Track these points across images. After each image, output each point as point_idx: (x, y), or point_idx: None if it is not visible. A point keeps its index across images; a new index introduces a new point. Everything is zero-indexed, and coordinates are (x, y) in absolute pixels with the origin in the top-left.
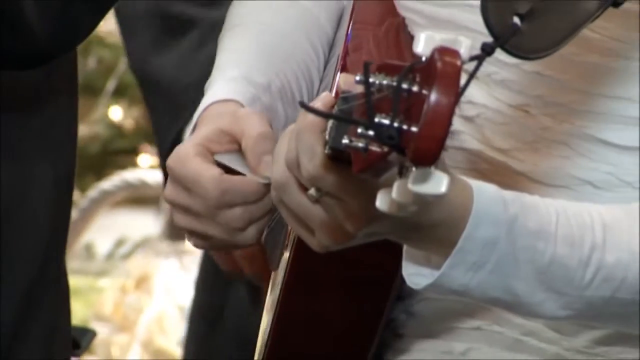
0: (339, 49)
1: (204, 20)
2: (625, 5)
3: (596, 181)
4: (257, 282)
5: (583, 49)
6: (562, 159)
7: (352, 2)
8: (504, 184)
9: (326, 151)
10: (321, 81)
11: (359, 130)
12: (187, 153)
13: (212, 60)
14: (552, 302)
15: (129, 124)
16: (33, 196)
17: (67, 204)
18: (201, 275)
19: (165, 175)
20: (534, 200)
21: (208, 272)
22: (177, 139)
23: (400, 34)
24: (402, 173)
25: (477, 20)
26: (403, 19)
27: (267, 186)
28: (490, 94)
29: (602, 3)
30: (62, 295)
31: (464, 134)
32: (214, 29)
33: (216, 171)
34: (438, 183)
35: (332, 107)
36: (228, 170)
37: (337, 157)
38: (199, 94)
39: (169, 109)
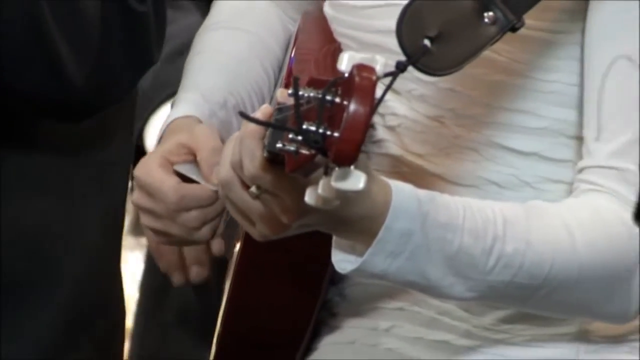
0: (283, 71)
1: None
2: (524, 31)
3: (500, 182)
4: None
5: (490, 69)
6: (471, 163)
7: (297, 27)
8: (421, 184)
9: (264, 155)
10: (272, 98)
11: (290, 135)
12: (151, 164)
13: (164, 70)
14: (459, 286)
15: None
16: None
17: (118, 236)
18: (148, 260)
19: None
20: (444, 198)
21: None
22: (139, 142)
23: (336, 57)
24: (327, 172)
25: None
26: (339, 44)
27: (218, 192)
28: (410, 107)
29: (501, 29)
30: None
31: (387, 141)
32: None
33: (175, 180)
34: (357, 180)
35: (271, 117)
36: (185, 178)
37: (274, 160)
38: (150, 99)
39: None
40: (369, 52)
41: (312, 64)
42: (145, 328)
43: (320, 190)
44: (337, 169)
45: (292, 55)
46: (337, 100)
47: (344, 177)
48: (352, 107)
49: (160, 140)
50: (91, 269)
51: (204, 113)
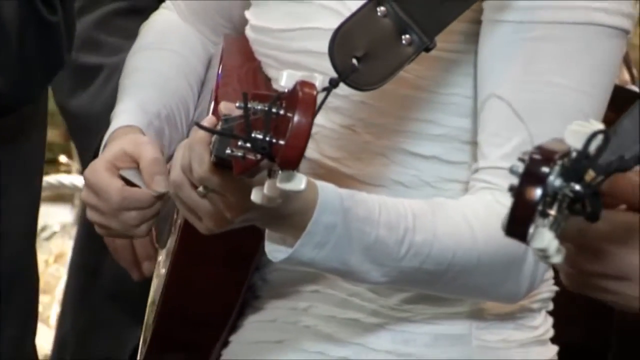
0: (209, 85)
1: (106, 66)
2: (431, 52)
3: (405, 182)
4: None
5: (398, 84)
6: (380, 166)
7: (220, 50)
8: (337, 185)
9: (212, 159)
10: (195, 109)
11: (239, 143)
12: (99, 167)
13: (114, 96)
14: (375, 272)
15: (49, 141)
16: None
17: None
18: (78, 241)
19: None
20: (362, 195)
21: (84, 238)
22: (95, 156)
23: (257, 73)
24: (271, 174)
25: (315, 62)
26: (259, 62)
27: (157, 197)
28: (327, 118)
29: (417, 50)
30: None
31: (308, 150)
32: (114, 73)
33: (119, 183)
34: (299, 182)
35: (216, 126)
36: (128, 182)
37: (220, 164)
38: (106, 121)
39: (85, 135)
40: (290, 70)
41: (236, 79)
42: (76, 300)
43: (265, 190)
44: (281, 172)
45: (219, 72)
46: (282, 112)
47: (288, 179)
48: (297, 118)
49: (105, 146)
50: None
51: (143, 122)
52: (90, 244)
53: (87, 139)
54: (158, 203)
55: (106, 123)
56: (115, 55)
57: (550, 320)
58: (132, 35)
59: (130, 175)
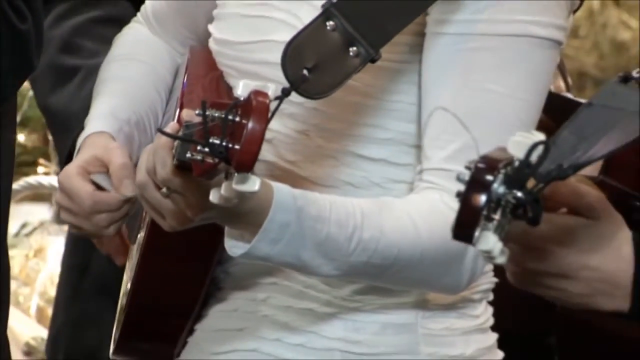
0: (176, 93)
1: (84, 67)
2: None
3: (355, 183)
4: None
5: (347, 92)
6: (332, 168)
7: (186, 60)
8: (293, 185)
9: (174, 162)
10: (163, 115)
11: (199, 147)
12: (71, 172)
13: (90, 96)
14: (326, 266)
15: (30, 145)
16: None
17: (6, 216)
18: (68, 242)
19: None
20: (314, 195)
21: (74, 239)
22: (70, 154)
23: (220, 82)
24: (228, 177)
25: (272, 72)
26: (221, 72)
27: (125, 201)
28: (282, 123)
29: (363, 61)
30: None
31: (264, 151)
32: (91, 74)
33: (90, 188)
34: (253, 184)
35: (178, 132)
36: (99, 186)
37: (182, 166)
38: (82, 120)
39: (63, 132)
40: (249, 79)
41: (200, 88)
42: (68, 297)
43: (222, 191)
44: (236, 174)
45: (185, 81)
46: (237, 119)
47: (243, 181)
48: (251, 124)
49: (78, 151)
50: None
51: (114, 128)
52: (79, 244)
53: (65, 134)
54: (126, 206)
55: (82, 121)
56: (92, 59)
57: (490, 310)
58: (107, 41)
59: (100, 179)
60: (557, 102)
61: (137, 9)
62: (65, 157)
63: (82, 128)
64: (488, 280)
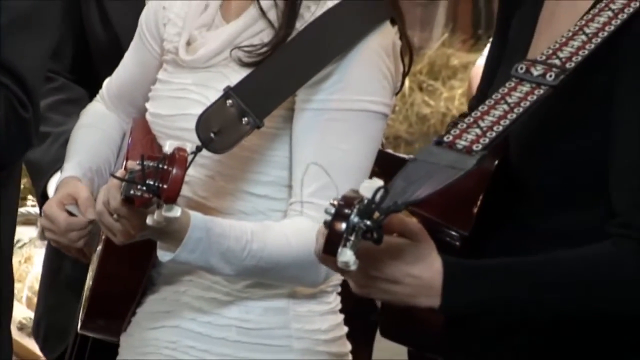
0: (124, 150)
1: (53, 133)
2: (262, 129)
3: (247, 211)
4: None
5: (241, 148)
6: (231, 201)
7: (130, 127)
8: (204, 213)
9: (122, 197)
10: (115, 165)
11: (139, 187)
12: (52, 204)
13: (57, 154)
14: (227, 268)
15: (22, 186)
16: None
17: (13, 236)
18: (47, 251)
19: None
20: (219, 220)
21: (51, 249)
22: (43, 191)
23: (153, 142)
24: (159, 207)
25: (189, 135)
26: (154, 135)
27: (89, 222)
28: (196, 170)
29: (252, 127)
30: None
31: (183, 189)
32: (58, 138)
33: (65, 214)
34: (176, 211)
35: (124, 176)
36: (71, 214)
37: (127, 200)
38: (51, 170)
39: (38, 178)
40: (173, 140)
41: (140, 146)
42: (46, 295)
43: (155, 217)
44: (165, 205)
45: (129, 141)
46: (165, 167)
47: (169, 210)
48: (174, 171)
49: (57, 189)
50: None
51: (81, 174)
52: (55, 254)
53: (40, 179)
54: (90, 226)
55: (51, 171)
56: (58, 127)
57: (339, 298)
58: (69, 115)
59: (72, 208)
60: (381, 155)
61: (91, 93)
62: (40, 194)
63: (51, 175)
64: (337, 277)
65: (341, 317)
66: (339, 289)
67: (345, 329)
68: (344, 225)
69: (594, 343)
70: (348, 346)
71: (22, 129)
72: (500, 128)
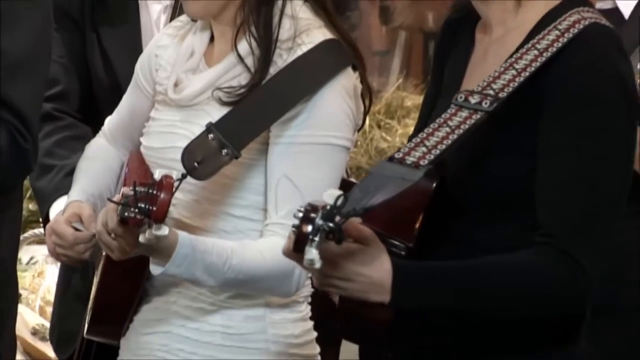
0: (121, 178)
1: (57, 166)
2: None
3: (228, 230)
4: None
5: (221, 176)
6: (213, 222)
7: (127, 159)
8: (190, 232)
9: (118, 218)
10: (114, 190)
11: (132, 209)
12: (60, 221)
13: (60, 184)
14: (211, 281)
15: (35, 209)
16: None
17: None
18: (61, 267)
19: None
20: (203, 238)
21: (64, 266)
22: (46, 215)
23: (147, 171)
24: (150, 226)
25: (177, 165)
26: (148, 165)
27: (92, 236)
28: (183, 195)
29: (231, 158)
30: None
31: (171, 211)
32: (61, 170)
33: (72, 230)
34: (165, 230)
35: (120, 200)
36: (77, 229)
37: (122, 221)
38: (53, 198)
39: (43, 203)
40: (163, 169)
41: (135, 174)
42: (59, 305)
43: (147, 235)
44: (155, 225)
45: (126, 171)
46: (155, 192)
47: (158, 229)
48: (162, 195)
49: (64, 210)
50: None
51: (84, 198)
52: (67, 271)
53: (44, 204)
54: (94, 239)
55: (54, 198)
56: (63, 161)
57: (309, 307)
58: (74, 150)
59: (77, 225)
60: (344, 183)
61: (95, 129)
62: (44, 217)
63: (52, 201)
64: (307, 289)
65: (311, 323)
66: (310, 299)
67: (315, 334)
68: (310, 227)
69: (519, 334)
70: (317, 349)
71: (23, 158)
72: (444, 147)
